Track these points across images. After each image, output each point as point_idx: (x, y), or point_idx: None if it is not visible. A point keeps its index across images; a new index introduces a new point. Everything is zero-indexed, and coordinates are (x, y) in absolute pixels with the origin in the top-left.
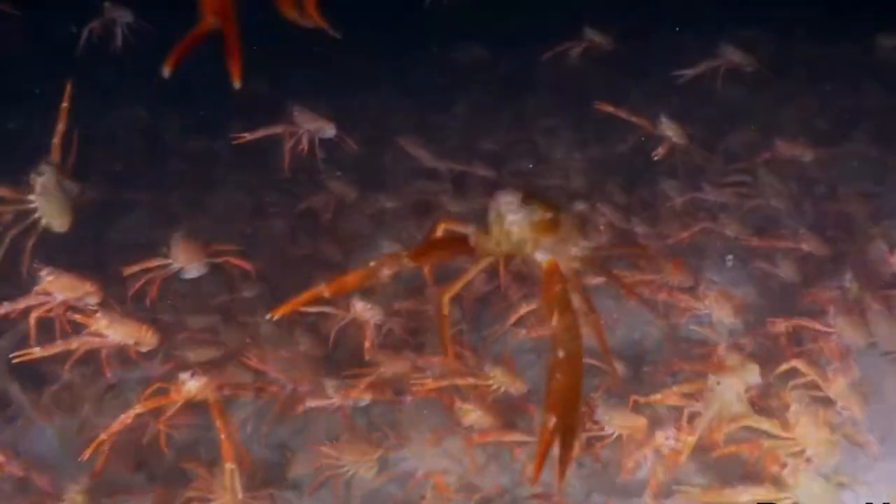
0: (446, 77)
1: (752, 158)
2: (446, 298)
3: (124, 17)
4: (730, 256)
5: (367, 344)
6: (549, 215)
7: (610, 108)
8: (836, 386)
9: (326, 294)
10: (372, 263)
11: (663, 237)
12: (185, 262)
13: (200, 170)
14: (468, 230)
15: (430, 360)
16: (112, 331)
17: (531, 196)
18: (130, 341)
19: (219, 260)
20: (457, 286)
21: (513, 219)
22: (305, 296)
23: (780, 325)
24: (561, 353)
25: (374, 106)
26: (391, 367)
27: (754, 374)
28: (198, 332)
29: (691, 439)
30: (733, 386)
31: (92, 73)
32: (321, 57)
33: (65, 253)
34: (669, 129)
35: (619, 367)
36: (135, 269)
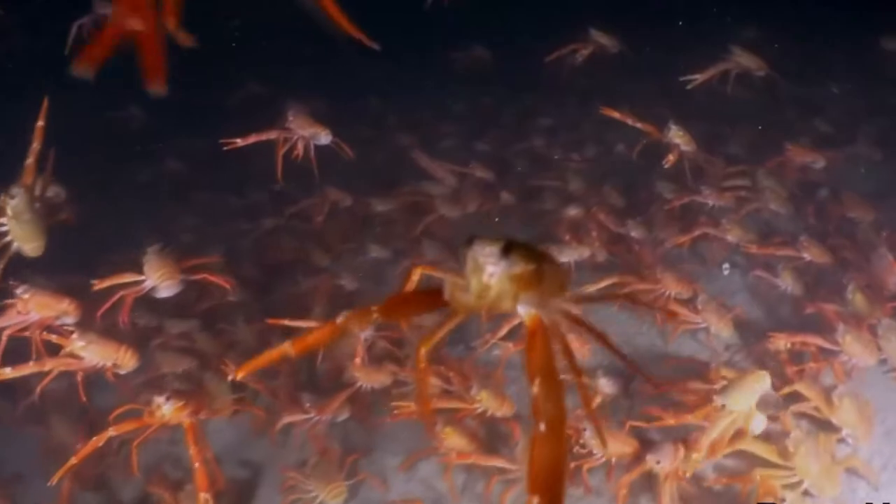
0: (446, 77)
1: (755, 161)
2: (424, 352)
3: None
4: (726, 265)
5: (357, 360)
6: (531, 266)
7: (616, 114)
8: (842, 412)
9: (291, 353)
10: (340, 319)
11: (661, 242)
12: (159, 279)
13: (195, 170)
14: (445, 277)
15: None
16: (88, 352)
17: (512, 245)
18: (108, 363)
19: (195, 277)
20: (434, 338)
21: (492, 271)
22: (268, 356)
23: (782, 341)
24: (543, 425)
25: (374, 106)
26: (372, 380)
27: (763, 382)
28: (174, 338)
29: (697, 456)
30: (740, 401)
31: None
32: (320, 57)
33: (50, 256)
34: (678, 137)
35: (609, 385)
36: (106, 283)
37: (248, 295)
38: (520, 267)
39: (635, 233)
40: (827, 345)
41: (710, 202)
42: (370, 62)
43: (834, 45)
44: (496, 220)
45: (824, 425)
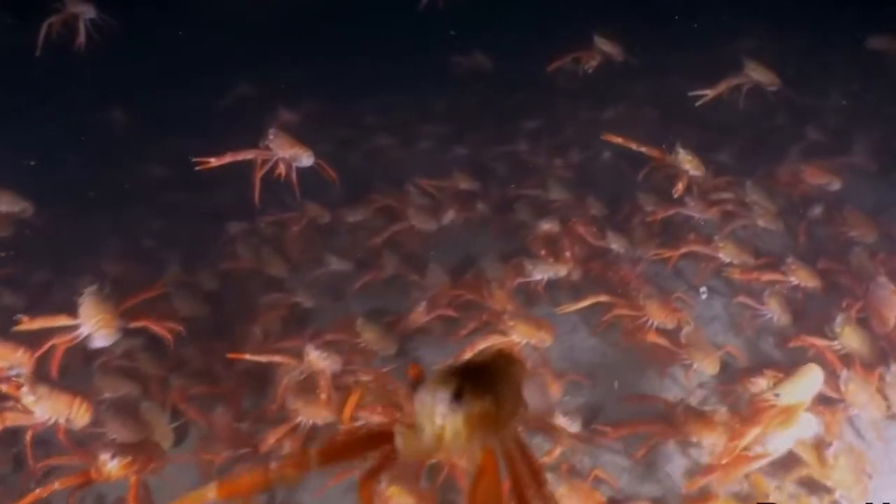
0: (437, 78)
1: (746, 170)
2: (368, 490)
3: (87, 12)
4: (703, 288)
5: (322, 396)
6: (487, 402)
7: (618, 140)
8: (837, 472)
9: (215, 497)
10: (273, 468)
11: (640, 258)
12: (94, 327)
13: (175, 173)
14: (395, 397)
15: (361, 411)
16: (39, 408)
17: (464, 384)
18: (61, 418)
19: (135, 325)
20: (378, 475)
21: (445, 416)
22: (191, 499)
23: (765, 383)
24: None
25: (365, 107)
26: (314, 415)
27: (816, 375)
28: (117, 357)
29: (738, 443)
30: (794, 394)
31: (67, 73)
32: (315, 58)
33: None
34: (686, 162)
35: (569, 424)
36: (36, 325)
37: (201, 308)
38: (475, 407)
39: (616, 245)
40: (828, 391)
41: (696, 215)
42: (367, 62)
43: (833, 45)
44: (472, 233)
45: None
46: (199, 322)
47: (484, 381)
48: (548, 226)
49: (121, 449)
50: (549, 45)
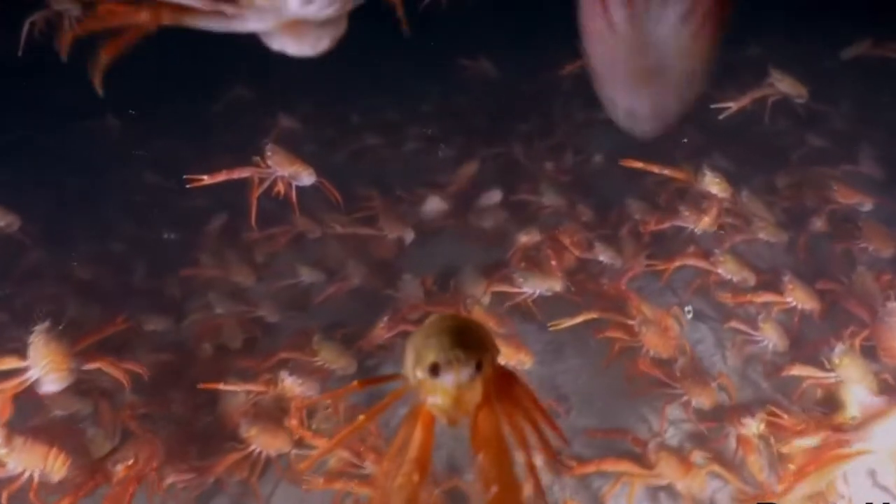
0: (426, 76)
1: (743, 177)
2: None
3: (72, 10)
4: (689, 307)
5: (293, 422)
6: (490, 356)
7: (639, 165)
8: None
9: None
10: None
11: (627, 271)
12: (43, 370)
13: (175, 181)
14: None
15: (318, 439)
16: (13, 459)
17: (480, 356)
18: (35, 471)
19: (91, 366)
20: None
21: (470, 386)
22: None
23: (754, 424)
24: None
25: (360, 109)
26: (268, 445)
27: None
28: None
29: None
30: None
31: (59, 76)
32: (309, 62)
33: None
34: (713, 184)
35: (537, 458)
36: None
37: (161, 321)
38: (488, 368)
39: (604, 257)
40: (840, 435)
41: (691, 226)
42: (364, 63)
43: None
44: (455, 240)
45: None
46: (161, 337)
47: (473, 338)
48: (526, 237)
49: (122, 453)
50: (549, 45)
